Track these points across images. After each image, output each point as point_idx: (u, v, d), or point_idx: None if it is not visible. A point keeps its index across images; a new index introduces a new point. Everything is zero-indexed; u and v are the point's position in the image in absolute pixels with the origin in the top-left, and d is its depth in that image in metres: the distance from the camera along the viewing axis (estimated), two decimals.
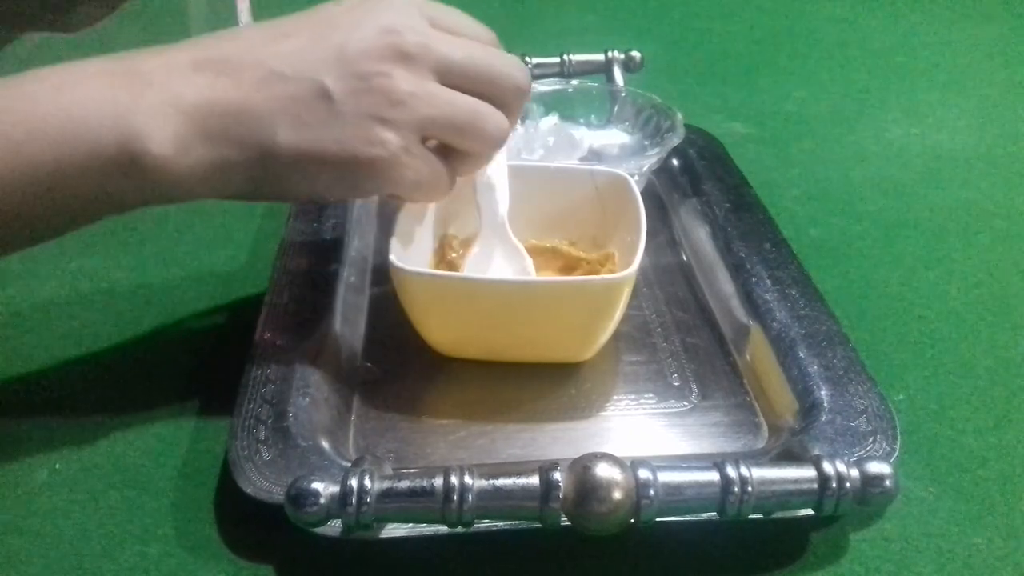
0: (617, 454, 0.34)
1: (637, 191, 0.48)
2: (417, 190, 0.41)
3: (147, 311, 0.52)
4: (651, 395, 0.45)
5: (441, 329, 0.46)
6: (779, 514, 0.35)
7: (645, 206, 0.47)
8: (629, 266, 0.43)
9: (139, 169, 0.36)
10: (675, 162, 0.63)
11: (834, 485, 0.34)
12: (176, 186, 0.37)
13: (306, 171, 0.39)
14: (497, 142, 0.42)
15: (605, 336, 0.45)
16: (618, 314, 0.44)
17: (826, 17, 1.03)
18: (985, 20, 1.01)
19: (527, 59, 0.69)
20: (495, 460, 0.41)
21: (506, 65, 0.41)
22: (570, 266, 0.51)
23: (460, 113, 0.40)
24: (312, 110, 0.37)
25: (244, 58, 0.37)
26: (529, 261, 0.48)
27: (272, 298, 0.48)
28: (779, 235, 0.54)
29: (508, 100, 0.41)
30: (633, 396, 0.45)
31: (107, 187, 0.36)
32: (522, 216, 0.49)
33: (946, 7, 1.05)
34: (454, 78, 0.39)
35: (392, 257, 0.42)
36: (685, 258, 0.56)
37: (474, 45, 0.41)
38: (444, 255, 0.50)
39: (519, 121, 0.58)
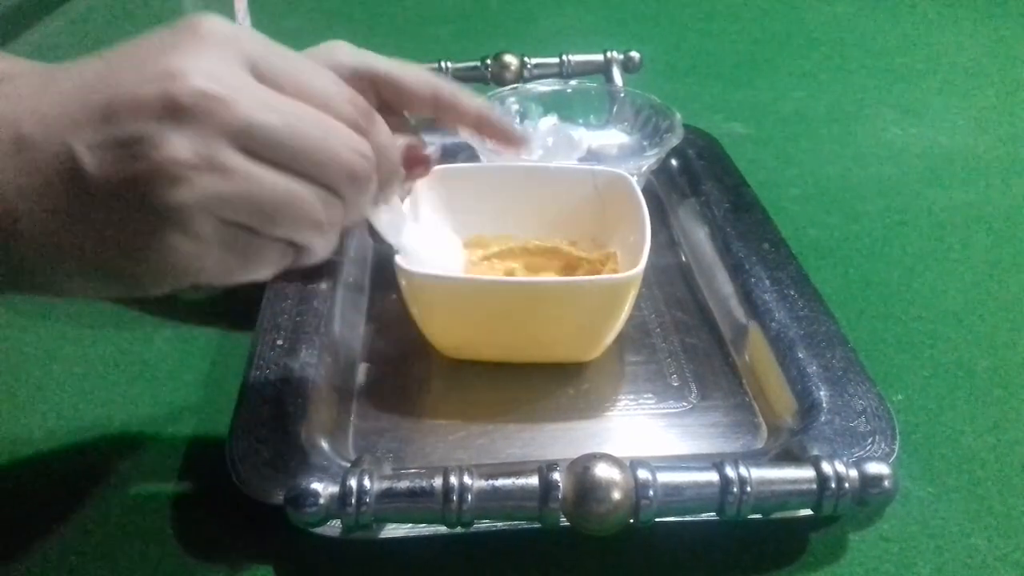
0: (616, 454, 0.34)
1: (638, 190, 0.49)
2: (227, 281, 0.31)
3: (147, 311, 0.52)
4: (650, 395, 0.45)
5: (448, 331, 0.46)
6: (778, 514, 0.35)
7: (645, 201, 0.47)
8: (633, 265, 0.43)
9: None
10: (674, 162, 0.63)
11: (833, 485, 0.34)
12: None
13: (64, 268, 0.29)
14: (327, 234, 0.31)
15: (612, 335, 0.45)
16: (625, 313, 0.44)
17: (825, 17, 1.03)
18: (983, 20, 1.01)
19: (526, 59, 0.69)
20: (494, 460, 0.41)
21: (337, 140, 0.30)
22: (571, 266, 0.51)
23: (263, 196, 0.29)
24: (62, 190, 0.27)
25: (3, 112, 0.28)
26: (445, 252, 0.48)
27: (271, 298, 0.48)
28: (778, 235, 0.54)
29: (336, 184, 0.30)
30: (632, 396, 0.45)
31: None
32: (522, 216, 0.49)
33: (945, 7, 1.05)
34: (259, 148, 0.28)
35: (398, 259, 0.42)
36: (684, 258, 0.56)
37: (297, 109, 0.29)
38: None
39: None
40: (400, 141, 0.36)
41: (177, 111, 0.27)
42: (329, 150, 0.30)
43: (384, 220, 0.39)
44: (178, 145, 0.27)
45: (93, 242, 0.28)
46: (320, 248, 0.32)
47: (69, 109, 0.28)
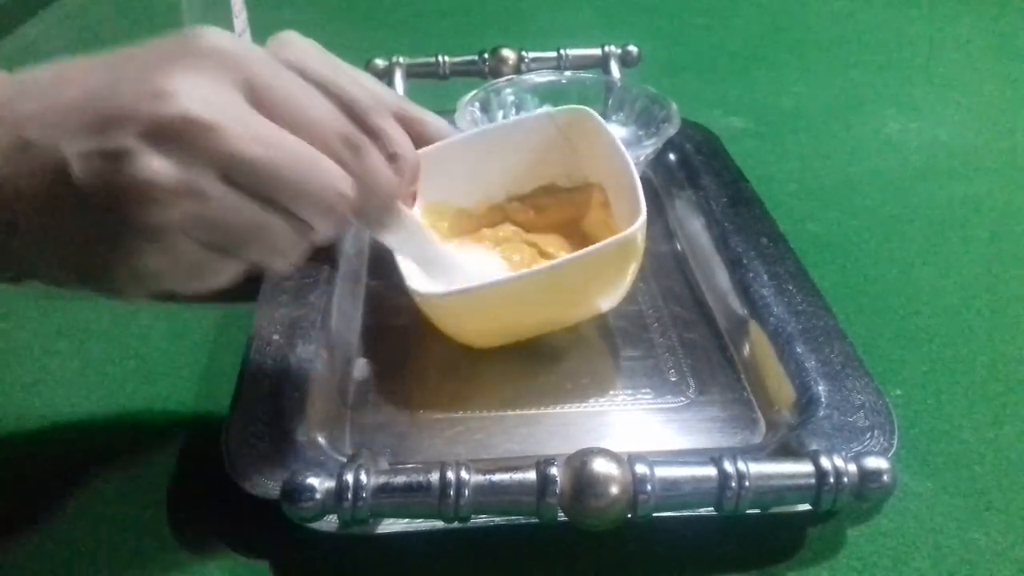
0: (614, 449, 0.34)
1: (601, 121, 0.48)
2: (190, 290, 0.32)
3: (144, 307, 0.52)
4: (648, 390, 0.45)
5: (476, 331, 0.46)
6: (776, 509, 0.35)
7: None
8: (626, 195, 0.43)
9: None
10: (672, 157, 0.63)
11: (831, 480, 0.34)
12: None
13: (54, 265, 0.31)
14: (289, 257, 0.32)
15: (632, 279, 0.45)
16: (640, 256, 0.44)
17: (823, 12, 1.03)
18: (982, 15, 1.01)
19: (524, 54, 0.69)
20: (492, 455, 0.41)
21: (319, 176, 0.31)
22: (570, 212, 0.51)
23: (237, 223, 0.30)
24: (55, 194, 0.28)
25: (12, 112, 0.29)
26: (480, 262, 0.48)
27: (268, 294, 0.48)
28: (776, 230, 0.54)
29: (308, 216, 0.31)
30: (630, 391, 0.45)
31: None
32: (494, 177, 0.49)
33: (944, 3, 1.04)
34: (239, 178, 0.29)
35: (410, 285, 0.42)
36: (682, 253, 0.56)
37: (284, 142, 0.30)
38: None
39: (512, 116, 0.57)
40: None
41: (163, 133, 0.28)
42: (308, 187, 0.30)
43: (394, 241, 0.40)
44: (159, 167, 0.28)
45: (76, 245, 0.29)
46: (280, 267, 0.33)
47: (69, 117, 0.28)
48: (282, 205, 0.30)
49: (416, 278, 0.43)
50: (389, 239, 0.40)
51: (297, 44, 0.38)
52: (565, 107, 0.50)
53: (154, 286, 0.31)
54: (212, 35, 0.30)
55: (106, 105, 0.28)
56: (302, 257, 0.33)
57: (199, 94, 0.28)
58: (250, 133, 0.29)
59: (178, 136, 0.28)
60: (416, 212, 0.47)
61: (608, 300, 0.47)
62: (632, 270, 0.45)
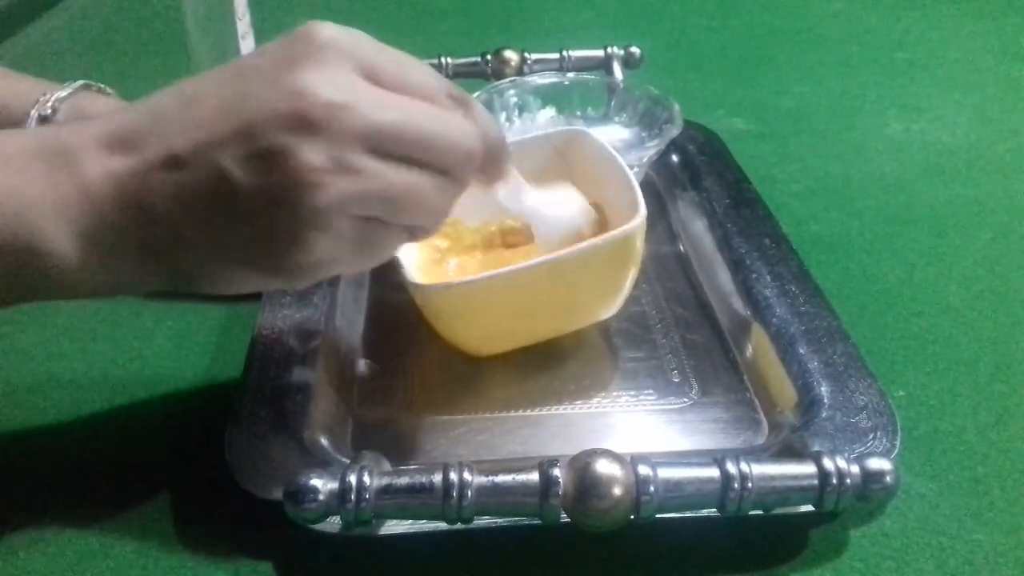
0: (617, 450, 0.34)
1: (599, 140, 0.48)
2: (358, 268, 0.36)
3: (146, 308, 0.52)
4: (651, 391, 0.45)
5: (474, 331, 0.45)
6: (779, 510, 0.35)
7: (644, 200, 0.47)
8: (626, 210, 0.43)
9: (39, 264, 0.32)
10: (675, 158, 0.63)
11: (834, 481, 0.34)
12: (76, 283, 0.33)
13: (224, 268, 0.33)
14: (441, 216, 0.35)
15: (630, 285, 0.45)
16: (639, 260, 0.44)
17: (826, 13, 1.03)
18: (985, 16, 1.00)
19: (527, 55, 0.69)
20: (494, 456, 0.41)
21: (451, 128, 0.33)
22: None
23: (393, 190, 0.32)
24: (215, 200, 0.31)
25: (151, 134, 0.32)
26: (574, 197, 0.48)
27: (271, 294, 0.48)
28: (779, 231, 0.54)
29: (453, 169, 0.33)
30: (633, 392, 0.45)
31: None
32: (493, 197, 0.49)
33: (947, 3, 1.04)
34: (384, 146, 0.31)
35: (406, 274, 0.42)
36: (685, 254, 0.56)
37: (411, 105, 0.32)
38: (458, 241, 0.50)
39: (515, 118, 0.57)
40: None
41: (309, 123, 0.30)
42: (445, 138, 0.33)
43: (502, 193, 0.41)
44: (313, 154, 0.30)
45: (244, 244, 0.32)
46: (434, 227, 0.35)
47: (214, 128, 0.31)
48: (425, 162, 0.32)
49: (415, 273, 0.43)
50: (501, 193, 0.41)
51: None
52: (562, 128, 0.51)
53: (324, 271, 0.33)
54: (322, 29, 0.32)
55: (248, 112, 0.30)
56: (450, 212, 0.35)
57: (331, 83, 0.31)
58: (380, 104, 0.31)
59: (321, 122, 0.30)
60: None
61: (605, 305, 0.46)
62: (631, 273, 0.44)
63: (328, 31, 0.32)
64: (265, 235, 0.31)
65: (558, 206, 0.46)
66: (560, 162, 0.50)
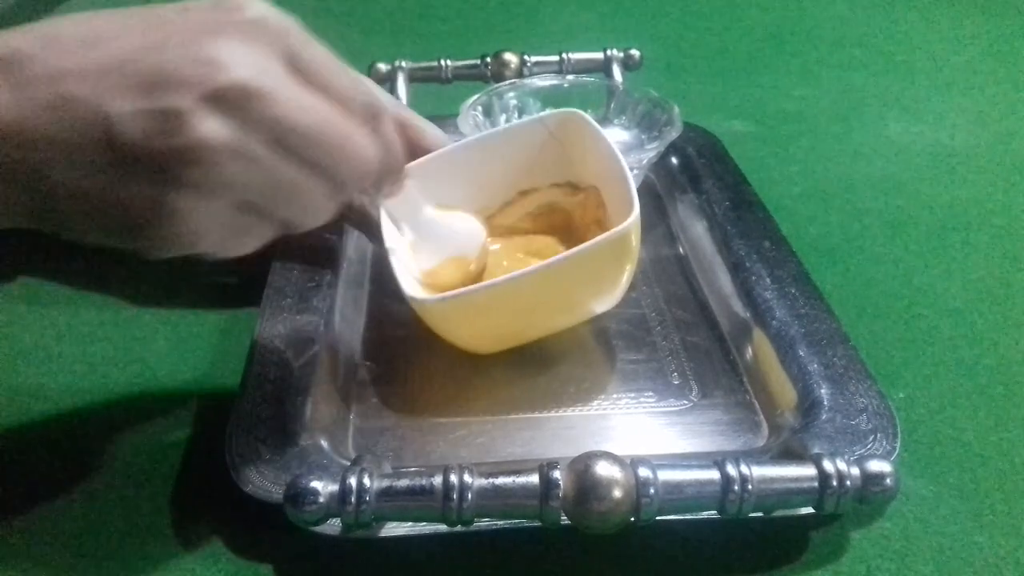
0: (617, 452, 0.34)
1: (593, 122, 0.48)
2: (221, 254, 0.33)
3: (146, 311, 0.52)
4: (651, 393, 0.45)
5: (474, 336, 0.46)
6: (779, 512, 0.35)
7: (644, 202, 0.47)
8: (621, 196, 0.43)
9: None
10: (674, 160, 0.63)
11: (835, 483, 0.33)
12: None
13: (86, 219, 0.31)
14: (321, 219, 0.34)
15: (628, 280, 0.46)
16: (636, 256, 0.44)
17: (826, 15, 1.03)
18: (985, 18, 1.01)
19: (526, 57, 0.69)
20: (495, 459, 0.41)
21: (353, 143, 0.32)
22: (565, 216, 0.51)
23: (280, 185, 0.31)
24: (93, 151, 0.29)
25: (43, 66, 0.29)
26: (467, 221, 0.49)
27: (271, 296, 0.48)
28: (779, 233, 0.54)
29: (344, 180, 0.33)
30: (633, 394, 0.45)
31: None
32: (488, 184, 0.49)
33: (946, 5, 1.04)
34: (286, 142, 0.30)
35: (405, 289, 0.42)
36: (684, 256, 0.56)
37: (323, 110, 0.31)
38: None
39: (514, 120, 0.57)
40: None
41: (218, 98, 0.29)
42: (345, 152, 0.32)
43: (391, 207, 0.42)
44: (213, 129, 0.29)
45: (115, 201, 0.30)
46: (309, 227, 0.34)
47: (112, 74, 0.29)
48: (321, 169, 0.32)
49: (413, 285, 0.44)
50: (390, 206, 0.42)
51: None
52: (556, 110, 0.51)
53: (189, 247, 0.31)
54: (253, 5, 0.31)
55: (155, 67, 0.29)
56: (331, 220, 0.35)
57: (250, 63, 0.29)
58: (295, 101, 0.30)
59: (232, 102, 0.29)
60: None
61: (604, 301, 0.46)
62: (628, 270, 0.44)
63: (259, 7, 0.31)
64: (136, 199, 0.29)
65: (448, 229, 0.47)
66: (554, 144, 0.50)
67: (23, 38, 0.30)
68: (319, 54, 0.32)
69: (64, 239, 0.32)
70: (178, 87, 0.28)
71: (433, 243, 0.47)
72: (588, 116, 0.49)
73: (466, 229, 0.49)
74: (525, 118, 0.55)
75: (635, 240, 0.43)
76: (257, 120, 0.29)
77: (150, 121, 0.28)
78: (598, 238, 0.41)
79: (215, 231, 0.31)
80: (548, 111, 0.52)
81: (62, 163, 0.29)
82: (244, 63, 0.29)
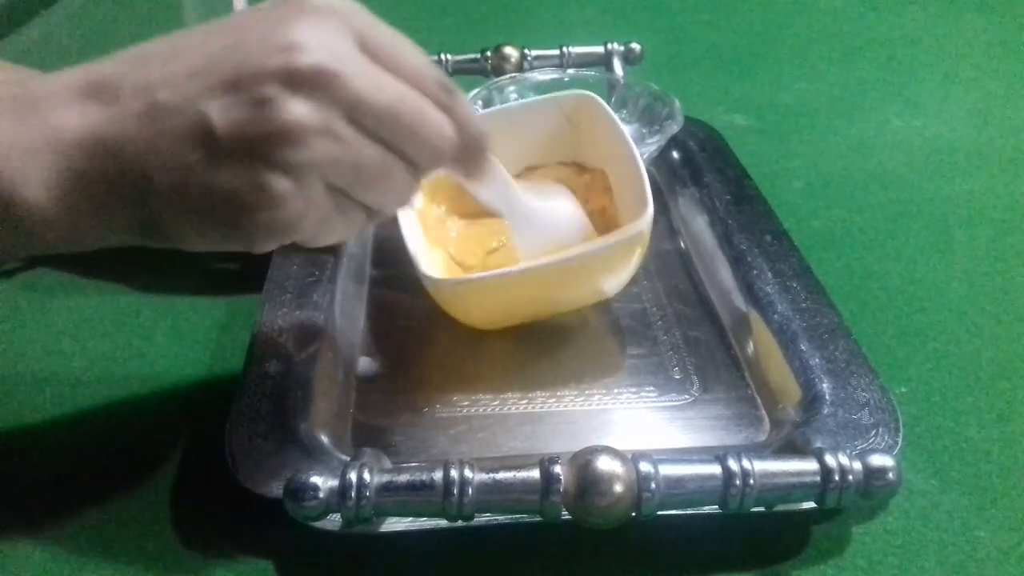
0: (618, 447, 0.34)
1: (605, 106, 0.49)
2: (316, 241, 0.35)
3: (146, 306, 0.52)
4: (652, 388, 0.45)
5: (482, 315, 0.46)
6: (781, 507, 0.35)
7: None
8: (630, 182, 0.44)
9: (8, 215, 0.31)
10: (675, 154, 0.63)
11: (836, 478, 0.33)
12: (49, 232, 0.32)
13: (191, 220, 0.32)
14: (402, 201, 0.36)
15: (638, 265, 0.46)
16: (647, 244, 0.45)
17: (827, 9, 1.03)
18: (986, 11, 1.00)
19: (526, 51, 0.68)
20: (495, 453, 0.41)
21: (430, 122, 0.33)
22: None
23: (367, 164, 0.32)
24: (193, 149, 0.31)
25: (132, 83, 0.31)
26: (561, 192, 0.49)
27: (271, 292, 0.47)
28: (780, 227, 0.54)
29: (420, 161, 0.34)
30: (634, 389, 0.45)
31: None
32: (501, 157, 0.49)
33: None
34: (364, 121, 0.32)
35: (422, 268, 0.43)
36: (686, 250, 0.56)
37: (399, 89, 0.32)
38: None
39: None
40: None
41: (299, 80, 0.30)
42: (421, 131, 0.33)
43: (483, 193, 0.41)
44: (300, 110, 0.30)
45: (217, 197, 0.31)
46: (392, 211, 0.36)
47: (199, 77, 0.31)
48: (397, 147, 0.33)
49: (427, 263, 0.44)
50: (483, 191, 0.41)
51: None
52: (572, 91, 0.51)
53: (288, 233, 0.33)
54: None
55: (238, 62, 0.30)
56: (412, 198, 0.36)
57: (326, 45, 0.31)
58: (371, 80, 0.32)
59: (312, 83, 0.30)
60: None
61: (614, 287, 0.47)
62: (639, 256, 0.45)
63: None
64: (236, 188, 0.31)
65: (545, 217, 0.46)
66: (567, 125, 0.51)
67: (110, 64, 0.32)
68: (388, 34, 0.33)
69: (167, 250, 0.34)
70: (262, 76, 0.30)
71: (525, 232, 0.45)
72: (601, 100, 0.49)
73: (566, 215, 0.48)
74: (541, 96, 0.55)
75: (648, 233, 0.44)
76: (337, 99, 0.31)
77: (241, 112, 0.30)
78: (613, 237, 0.42)
79: (311, 215, 0.32)
80: (564, 92, 0.52)
81: (163, 167, 0.31)
82: (319, 46, 0.31)
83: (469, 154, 0.36)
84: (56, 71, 0.33)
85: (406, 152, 0.33)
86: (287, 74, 0.30)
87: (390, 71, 0.32)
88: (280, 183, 0.31)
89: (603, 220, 0.49)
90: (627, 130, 0.48)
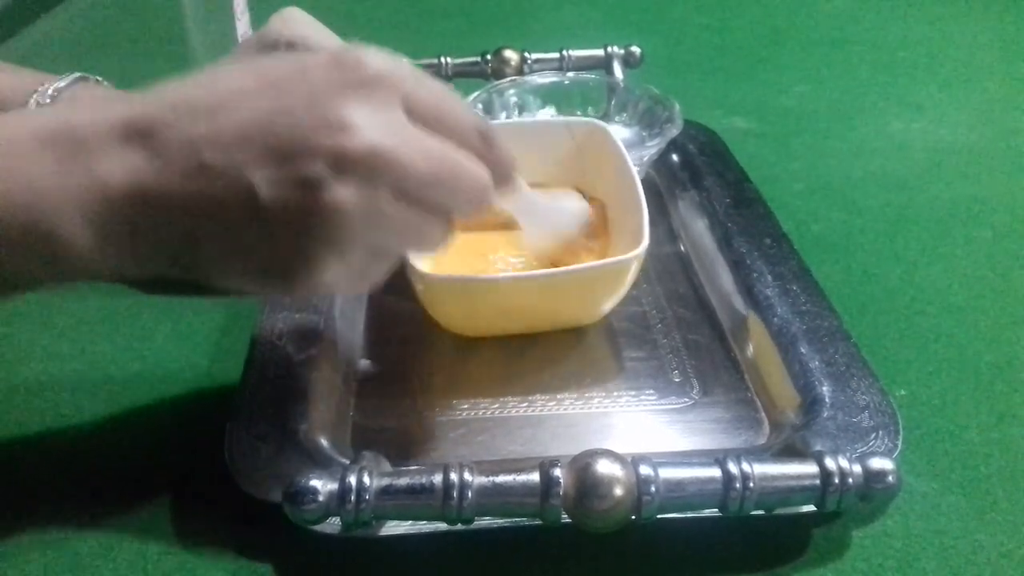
0: (618, 451, 0.34)
1: (615, 138, 0.49)
2: (349, 291, 0.37)
3: (146, 308, 0.52)
4: (652, 391, 0.45)
5: (464, 322, 0.47)
6: (781, 510, 0.35)
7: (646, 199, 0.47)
8: (628, 216, 0.44)
9: (51, 253, 0.31)
10: (675, 157, 0.63)
11: (836, 481, 0.33)
12: (87, 269, 0.33)
13: (233, 268, 0.33)
14: (436, 248, 0.36)
15: (618, 300, 0.47)
16: (633, 278, 0.45)
17: (827, 12, 1.03)
18: (986, 14, 1.00)
19: (526, 55, 0.69)
20: (495, 457, 0.41)
21: (471, 176, 0.34)
22: None
23: (407, 232, 0.33)
24: (237, 212, 0.31)
25: (178, 136, 0.31)
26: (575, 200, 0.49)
27: (271, 296, 0.47)
28: (780, 230, 0.54)
29: (458, 211, 0.35)
30: (634, 392, 0.45)
31: (8, 265, 0.32)
32: None
33: (947, 1, 1.04)
34: (408, 190, 0.32)
35: (411, 260, 0.43)
36: (685, 253, 0.56)
37: (441, 152, 0.33)
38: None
39: (515, 118, 0.58)
40: None
41: (349, 164, 0.30)
42: (461, 186, 0.34)
43: (512, 206, 0.42)
44: (347, 194, 0.30)
45: (257, 257, 0.32)
46: (431, 252, 0.38)
47: (248, 143, 0.30)
48: (438, 206, 0.33)
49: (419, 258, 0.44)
50: (510, 206, 0.42)
51: (300, 20, 0.44)
52: (583, 119, 0.51)
53: (325, 289, 0.34)
54: (372, 58, 0.32)
55: (287, 134, 0.30)
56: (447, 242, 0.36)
57: (377, 124, 0.31)
58: (417, 151, 0.32)
59: (363, 165, 0.30)
60: None
61: (593, 313, 0.48)
62: (623, 291, 0.46)
63: (379, 62, 0.32)
64: (280, 253, 0.32)
65: (550, 208, 0.46)
66: (575, 151, 0.51)
67: (154, 105, 0.32)
68: (432, 94, 0.34)
69: (203, 286, 0.34)
70: (312, 154, 0.30)
71: (532, 225, 0.46)
72: (611, 131, 0.50)
73: (566, 208, 0.48)
74: (553, 118, 0.55)
75: (637, 268, 0.44)
76: (384, 180, 0.31)
77: (289, 188, 0.30)
78: (602, 262, 0.43)
79: (352, 274, 0.33)
80: (576, 117, 0.52)
81: (207, 224, 0.31)
82: (369, 124, 0.31)
83: (498, 182, 0.37)
84: (98, 102, 0.32)
85: (445, 207, 0.34)
86: (336, 156, 0.30)
87: (434, 131, 0.33)
88: (319, 252, 0.31)
89: (594, 252, 0.49)
90: (625, 142, 0.48)
